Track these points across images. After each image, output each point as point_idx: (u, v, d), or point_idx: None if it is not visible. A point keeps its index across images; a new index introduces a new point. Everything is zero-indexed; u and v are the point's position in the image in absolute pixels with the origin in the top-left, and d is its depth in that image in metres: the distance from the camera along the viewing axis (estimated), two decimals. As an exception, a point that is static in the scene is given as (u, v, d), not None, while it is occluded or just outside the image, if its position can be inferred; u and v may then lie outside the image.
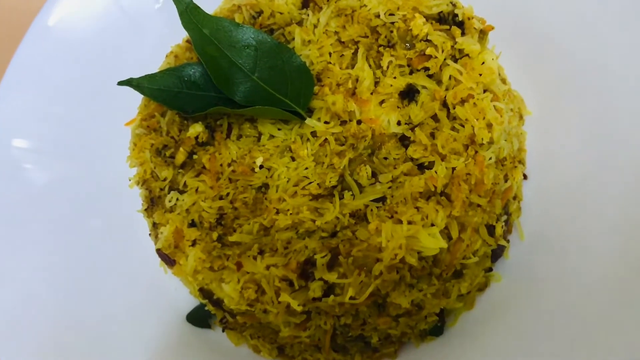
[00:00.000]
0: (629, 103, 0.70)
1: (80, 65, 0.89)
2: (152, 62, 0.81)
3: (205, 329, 0.81)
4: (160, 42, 0.81)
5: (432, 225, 0.62)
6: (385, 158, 0.66)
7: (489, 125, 0.65)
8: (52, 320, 0.79)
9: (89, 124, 0.89)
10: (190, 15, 0.71)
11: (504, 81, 0.77)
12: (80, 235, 0.86)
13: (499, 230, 0.69)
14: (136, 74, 0.75)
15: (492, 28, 0.73)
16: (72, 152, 0.88)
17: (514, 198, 0.74)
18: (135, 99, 0.79)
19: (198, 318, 0.82)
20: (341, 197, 0.65)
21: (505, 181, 0.70)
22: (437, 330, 0.72)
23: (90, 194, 0.87)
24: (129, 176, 0.79)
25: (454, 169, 0.64)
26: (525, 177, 0.76)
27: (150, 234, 0.79)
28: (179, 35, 0.79)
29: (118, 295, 0.83)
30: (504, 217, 0.71)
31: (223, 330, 0.78)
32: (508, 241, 0.73)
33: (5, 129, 0.86)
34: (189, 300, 0.84)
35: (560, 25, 0.77)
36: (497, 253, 0.72)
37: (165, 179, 0.73)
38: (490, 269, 0.72)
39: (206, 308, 0.78)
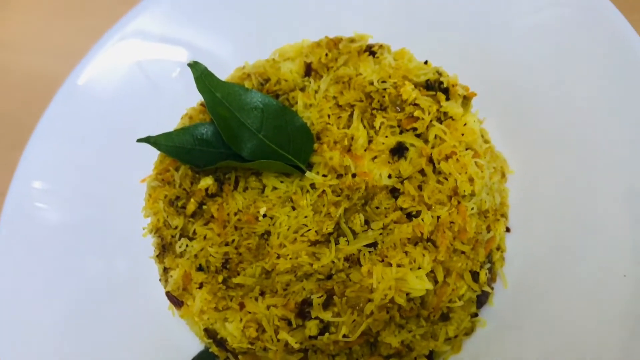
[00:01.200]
0: (600, 162, 0.77)
1: (104, 121, 0.99)
2: (169, 122, 0.89)
3: (209, 373, 0.86)
4: (177, 104, 0.90)
5: (419, 268, 0.68)
6: (377, 207, 0.73)
7: (471, 179, 0.72)
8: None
9: (106, 176, 0.98)
10: (204, 80, 0.80)
11: (487, 142, 0.85)
12: (87, 278, 0.92)
13: (482, 277, 0.75)
14: (154, 132, 0.83)
15: (475, 94, 0.81)
16: (87, 199, 0.96)
17: (498, 249, 0.79)
18: (150, 155, 0.87)
19: (202, 362, 0.86)
20: (337, 243, 0.72)
21: (488, 232, 0.76)
22: (426, 373, 0.76)
23: (101, 240, 0.94)
24: (142, 226, 0.87)
25: (438, 217, 0.70)
26: (508, 230, 0.82)
27: (160, 279, 0.85)
28: (194, 98, 0.88)
29: (125, 339, 0.88)
30: (488, 265, 0.76)
31: (226, 373, 0.82)
32: (492, 288, 0.78)
33: (27, 171, 0.95)
34: (193, 346, 0.89)
35: (538, 94, 0.85)
36: (482, 299, 0.77)
37: (176, 227, 0.80)
38: (476, 315, 0.77)
39: (210, 350, 0.83)
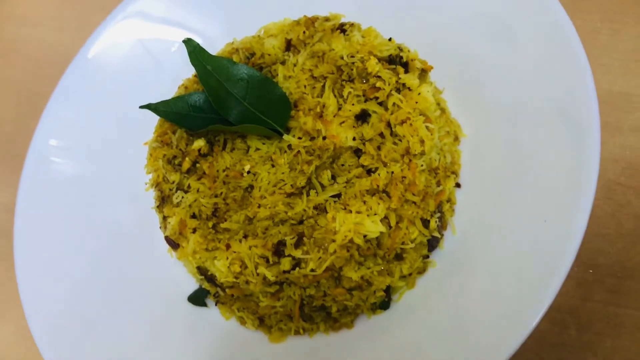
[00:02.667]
0: (538, 126, 0.89)
1: (111, 90, 1.12)
2: (168, 91, 1.02)
3: (202, 308, 1.00)
4: (175, 76, 1.04)
5: (375, 214, 0.81)
6: (342, 165, 0.86)
7: (422, 141, 0.85)
8: (76, 293, 0.99)
9: (113, 137, 1.11)
10: (197, 55, 0.93)
11: (443, 110, 0.97)
12: (96, 225, 1.06)
13: (432, 225, 0.88)
14: (154, 100, 0.96)
15: (432, 68, 0.93)
16: (97, 157, 1.10)
17: (448, 201, 0.92)
18: (151, 120, 1.00)
19: (196, 298, 1.00)
20: (308, 195, 0.85)
21: (438, 186, 0.89)
22: (384, 305, 0.90)
23: (110, 192, 1.08)
24: (144, 181, 1.00)
25: (392, 172, 0.83)
26: (458, 185, 0.95)
27: (160, 227, 0.99)
28: (190, 70, 1.01)
29: (131, 280, 1.02)
30: (438, 215, 0.90)
31: (216, 304, 0.97)
32: (442, 235, 0.91)
33: (45, 130, 1.09)
34: (190, 286, 1.03)
35: (488, 69, 0.97)
36: (432, 244, 0.90)
37: (173, 182, 0.93)
38: (427, 256, 0.90)
39: (203, 287, 0.97)
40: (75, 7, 1.47)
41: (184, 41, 0.93)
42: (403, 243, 0.85)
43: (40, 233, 1.04)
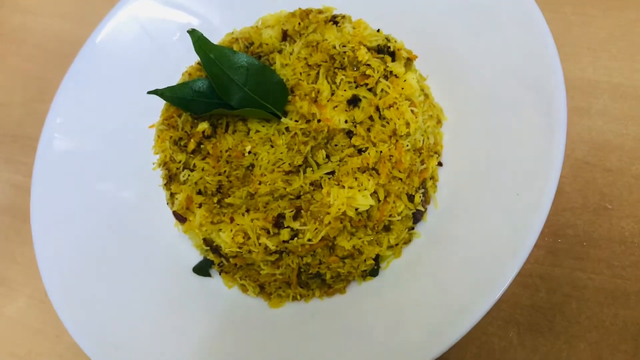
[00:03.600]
0: (512, 115, 0.98)
1: (118, 75, 1.21)
2: (172, 76, 1.11)
3: (206, 278, 1.08)
4: (178, 62, 1.12)
5: (365, 189, 0.90)
6: (336, 145, 0.94)
7: (407, 123, 0.94)
8: (89, 263, 1.07)
9: (121, 120, 1.19)
10: (201, 44, 1.01)
11: (427, 95, 1.06)
12: (107, 204, 1.14)
13: (417, 199, 0.97)
14: (159, 84, 1.04)
15: (416, 57, 1.02)
16: (106, 137, 1.19)
17: (431, 178, 1.01)
18: (156, 104, 1.08)
19: (201, 269, 1.09)
20: (304, 172, 0.93)
21: (422, 164, 0.98)
22: (374, 272, 0.99)
23: (119, 172, 1.16)
24: (152, 161, 1.09)
25: (381, 152, 0.92)
26: (440, 164, 1.04)
27: (167, 203, 1.07)
28: (192, 57, 1.09)
29: (139, 253, 1.10)
30: (422, 190, 0.99)
31: (220, 274, 1.05)
32: (426, 209, 1.00)
33: (56, 113, 1.18)
34: (194, 258, 1.11)
35: (468, 58, 1.06)
36: (417, 217, 0.99)
37: (180, 162, 1.01)
38: (412, 228, 1.00)
39: (208, 257, 1.06)
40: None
41: (188, 31, 1.01)
42: (390, 216, 0.94)
43: (55, 210, 1.12)
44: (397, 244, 0.99)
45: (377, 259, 0.99)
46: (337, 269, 0.96)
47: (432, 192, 1.02)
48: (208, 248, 1.00)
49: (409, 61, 1.01)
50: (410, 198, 0.96)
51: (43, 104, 1.43)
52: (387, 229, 0.96)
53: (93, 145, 1.18)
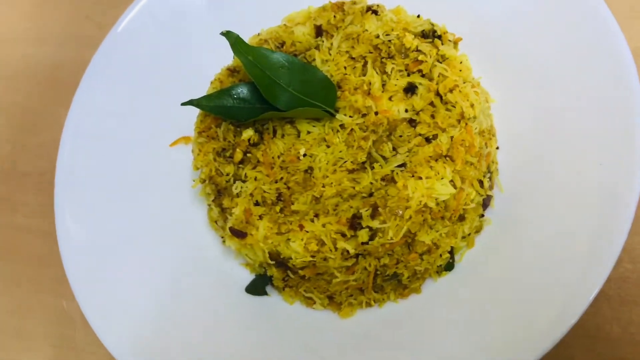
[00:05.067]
0: (563, 93, 0.96)
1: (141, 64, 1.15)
2: (197, 81, 1.05)
3: (261, 297, 1.01)
4: (201, 64, 1.07)
5: (443, 178, 0.86)
6: (400, 136, 0.89)
7: (472, 105, 0.90)
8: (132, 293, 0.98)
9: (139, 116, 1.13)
10: (238, 46, 0.94)
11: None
12: (140, 225, 1.06)
13: (486, 184, 0.93)
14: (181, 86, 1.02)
15: (461, 39, 0.98)
16: (128, 148, 1.11)
17: (493, 162, 0.98)
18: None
19: (255, 288, 1.01)
20: (372, 168, 0.88)
21: (486, 147, 0.95)
22: (449, 266, 0.94)
23: (150, 193, 1.08)
24: (193, 178, 1.01)
25: (452, 137, 0.87)
26: (497, 147, 1.01)
27: (215, 221, 0.99)
28: (214, 62, 1.03)
29: (187, 278, 1.02)
30: (488, 175, 0.95)
31: (283, 289, 0.98)
32: (493, 194, 0.97)
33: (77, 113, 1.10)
34: (244, 278, 1.03)
35: (512, 36, 1.03)
36: (486, 203, 0.95)
37: (228, 174, 0.94)
38: (483, 215, 0.96)
39: (264, 274, 0.98)
40: (57, 18, 1.43)
41: (223, 34, 0.94)
42: (465, 204, 0.90)
43: (85, 239, 1.02)
44: (469, 234, 0.95)
45: (452, 251, 0.94)
46: (414, 266, 0.91)
47: (495, 175, 0.99)
48: (273, 262, 0.92)
49: (454, 44, 0.98)
50: (480, 183, 0.92)
51: (33, 137, 1.32)
52: (461, 218, 0.92)
53: (119, 158, 1.09)
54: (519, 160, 0.99)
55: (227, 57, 1.06)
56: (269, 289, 1.01)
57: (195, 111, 1.03)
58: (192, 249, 1.05)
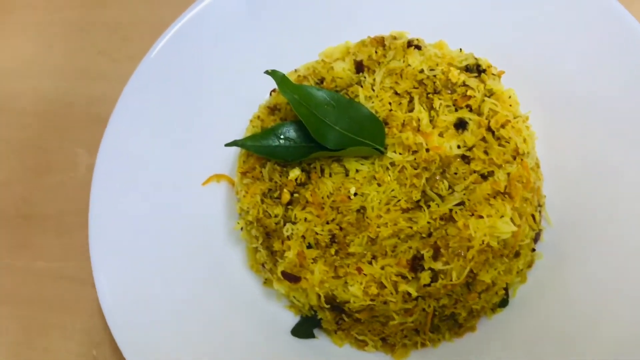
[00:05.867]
0: (606, 122, 0.97)
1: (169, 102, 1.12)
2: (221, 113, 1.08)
3: (309, 340, 0.98)
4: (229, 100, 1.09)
5: (503, 216, 0.84)
6: (455, 173, 0.88)
7: (525, 140, 0.89)
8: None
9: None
10: (284, 85, 0.92)
11: (515, 110, 1.02)
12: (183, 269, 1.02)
13: (537, 218, 0.93)
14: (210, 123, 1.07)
15: (503, 72, 0.98)
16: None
17: (542, 195, 0.98)
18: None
19: (302, 330, 0.98)
20: (428, 207, 0.86)
21: (537, 181, 0.94)
22: (503, 302, 0.93)
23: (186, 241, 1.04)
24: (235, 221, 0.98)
25: (508, 174, 0.87)
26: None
27: (263, 264, 0.96)
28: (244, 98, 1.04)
29: (231, 322, 0.98)
30: (539, 208, 0.94)
31: (335, 332, 0.95)
32: (543, 227, 0.96)
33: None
34: (288, 320, 1.00)
35: (549, 67, 1.03)
36: (537, 237, 0.94)
37: (277, 215, 0.91)
38: (534, 249, 0.95)
39: (319, 317, 0.95)
40: (69, 53, 1.39)
41: (268, 72, 0.92)
42: (522, 240, 0.89)
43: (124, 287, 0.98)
44: (522, 269, 0.94)
45: (507, 287, 0.93)
46: (472, 305, 0.89)
47: (543, 209, 0.98)
48: (328, 306, 0.89)
49: (498, 77, 0.97)
50: (534, 218, 0.92)
51: (48, 176, 1.27)
52: (517, 254, 0.91)
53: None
54: (564, 191, 0.98)
55: (256, 93, 1.05)
56: (316, 331, 0.98)
57: (226, 150, 1.01)
58: (232, 291, 1.02)
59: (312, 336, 0.98)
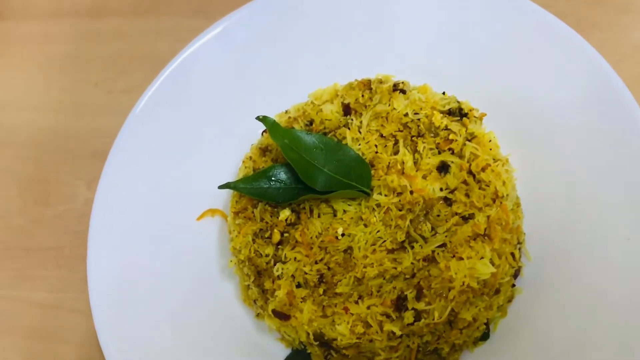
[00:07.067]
0: (583, 158, 1.01)
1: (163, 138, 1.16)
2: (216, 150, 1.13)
3: (298, 372, 1.02)
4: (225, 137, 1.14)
5: (482, 258, 0.89)
6: (438, 215, 0.92)
7: (504, 183, 0.94)
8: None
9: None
10: (275, 130, 0.96)
11: (495, 150, 1.07)
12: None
13: (517, 256, 0.97)
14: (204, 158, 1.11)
15: (485, 115, 1.03)
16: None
17: (521, 232, 1.02)
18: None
19: (294, 364, 1.02)
20: (412, 248, 0.91)
21: (516, 221, 0.98)
22: (485, 336, 0.97)
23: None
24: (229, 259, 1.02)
25: (488, 217, 0.91)
26: (522, 215, 1.05)
27: (254, 300, 1.01)
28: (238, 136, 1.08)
29: (223, 354, 1.02)
30: (518, 246, 0.99)
31: (324, 366, 0.99)
32: (523, 264, 1.01)
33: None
34: (279, 352, 1.04)
35: (526, 104, 1.08)
36: (516, 273, 0.99)
37: (268, 255, 0.95)
38: (514, 285, 0.99)
39: (308, 351, 0.99)
40: (65, 85, 1.43)
41: (259, 119, 0.97)
42: (501, 278, 0.93)
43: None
44: (502, 304, 0.98)
45: (487, 322, 0.97)
46: (454, 341, 0.94)
47: (523, 245, 1.02)
48: (317, 343, 0.93)
49: (479, 120, 1.02)
50: (513, 256, 0.96)
51: (47, 208, 1.31)
52: (497, 291, 0.95)
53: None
54: (543, 227, 1.02)
55: (248, 131, 1.09)
56: (307, 364, 1.02)
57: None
58: (226, 323, 1.06)
59: (303, 369, 1.02)
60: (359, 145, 0.99)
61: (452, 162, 0.95)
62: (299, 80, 1.15)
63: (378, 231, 0.92)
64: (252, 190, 0.97)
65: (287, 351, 1.04)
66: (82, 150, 1.35)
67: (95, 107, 1.38)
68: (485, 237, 0.90)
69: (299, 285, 0.92)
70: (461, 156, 0.96)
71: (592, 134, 1.00)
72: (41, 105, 1.41)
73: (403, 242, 0.91)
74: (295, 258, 0.94)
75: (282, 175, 0.97)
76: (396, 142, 0.98)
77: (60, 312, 1.19)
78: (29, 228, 1.29)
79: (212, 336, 1.04)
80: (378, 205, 0.94)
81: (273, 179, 0.97)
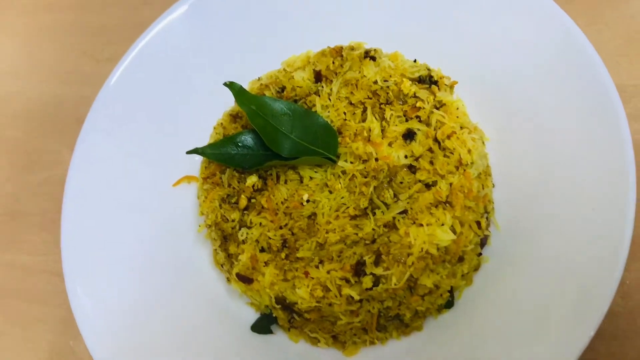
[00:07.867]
0: (555, 127, 0.99)
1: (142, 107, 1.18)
2: (194, 118, 1.13)
3: (267, 335, 1.03)
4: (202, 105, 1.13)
5: (443, 224, 0.89)
6: (401, 182, 0.92)
7: (469, 151, 0.93)
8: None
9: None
10: (242, 96, 0.96)
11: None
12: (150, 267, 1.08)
13: (483, 225, 0.97)
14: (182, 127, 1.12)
15: (456, 83, 1.02)
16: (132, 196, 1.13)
17: (489, 201, 1.02)
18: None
19: (261, 327, 1.03)
20: (374, 214, 0.91)
21: (483, 189, 0.98)
22: (449, 304, 0.97)
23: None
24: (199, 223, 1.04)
25: (451, 184, 0.91)
26: (493, 185, 1.04)
27: (221, 264, 1.02)
28: (215, 103, 1.08)
29: (193, 316, 1.03)
30: (485, 215, 0.98)
31: (289, 329, 1.00)
32: (490, 233, 1.00)
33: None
34: (249, 316, 1.06)
35: (504, 76, 1.06)
36: (483, 241, 0.98)
37: (234, 220, 0.97)
38: (480, 254, 0.99)
39: (274, 315, 1.01)
40: (53, 54, 1.44)
41: (226, 84, 0.97)
42: (465, 246, 0.93)
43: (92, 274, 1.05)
44: (468, 273, 0.98)
45: (452, 290, 0.97)
46: (416, 307, 0.94)
47: (492, 214, 1.02)
48: (279, 306, 0.95)
49: (450, 88, 1.01)
50: (478, 225, 0.96)
51: (35, 175, 1.34)
52: (460, 259, 0.95)
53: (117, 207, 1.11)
54: (514, 197, 1.02)
55: (226, 97, 1.09)
56: (274, 327, 1.04)
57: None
58: (198, 288, 1.07)
59: (270, 332, 1.03)
60: (328, 112, 0.99)
61: (419, 129, 0.95)
62: (275, 48, 1.15)
63: (342, 197, 0.93)
64: (219, 156, 0.98)
65: (257, 316, 1.06)
66: (69, 118, 1.37)
67: (83, 75, 1.40)
68: (447, 204, 0.90)
69: (262, 250, 0.94)
70: (428, 124, 0.96)
71: (564, 103, 0.99)
72: (28, 72, 1.43)
73: (366, 208, 0.92)
74: (260, 223, 0.95)
75: (249, 141, 0.98)
76: (365, 110, 0.98)
77: (42, 274, 1.22)
78: (15, 194, 1.32)
79: (183, 299, 1.05)
80: (343, 172, 0.94)
81: (240, 144, 0.98)
